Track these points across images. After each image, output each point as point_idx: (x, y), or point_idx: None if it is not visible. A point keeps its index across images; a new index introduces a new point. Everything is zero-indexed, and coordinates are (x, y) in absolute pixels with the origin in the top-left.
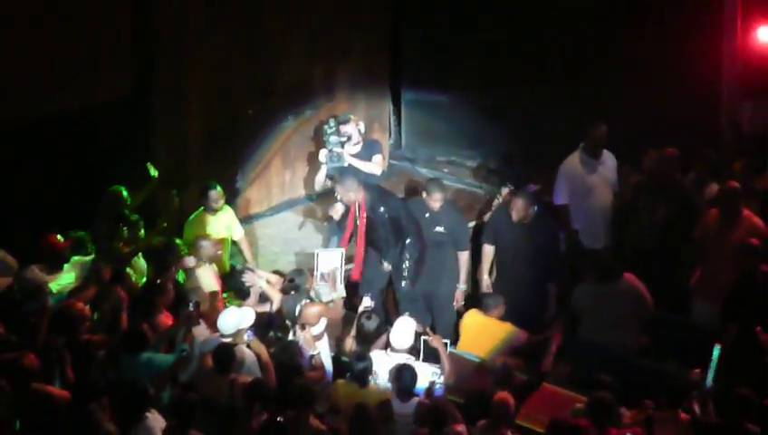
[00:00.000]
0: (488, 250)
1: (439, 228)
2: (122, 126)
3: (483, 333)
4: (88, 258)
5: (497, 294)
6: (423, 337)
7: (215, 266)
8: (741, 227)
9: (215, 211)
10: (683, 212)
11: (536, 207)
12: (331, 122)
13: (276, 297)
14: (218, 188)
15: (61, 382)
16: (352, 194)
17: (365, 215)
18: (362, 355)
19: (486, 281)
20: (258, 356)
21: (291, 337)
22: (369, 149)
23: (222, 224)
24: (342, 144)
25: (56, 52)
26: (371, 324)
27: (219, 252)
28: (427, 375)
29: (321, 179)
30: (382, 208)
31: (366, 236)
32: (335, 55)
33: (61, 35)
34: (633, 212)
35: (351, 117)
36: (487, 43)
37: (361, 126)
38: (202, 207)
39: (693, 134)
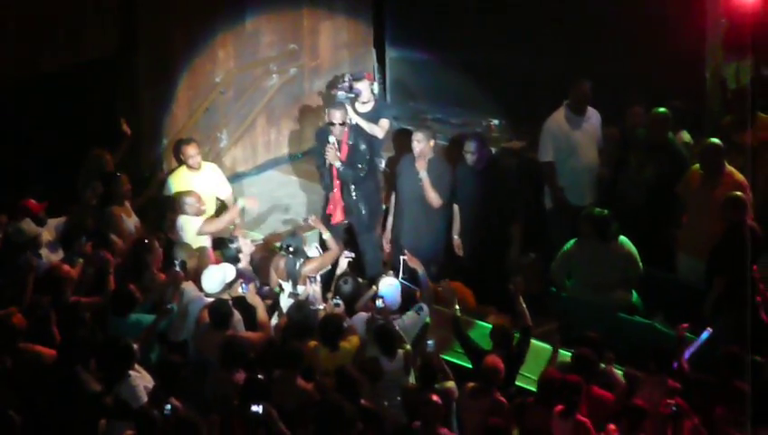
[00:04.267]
0: (455, 209)
1: (422, 174)
2: (108, 85)
3: None
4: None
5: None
6: (401, 257)
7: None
8: (723, 184)
9: (195, 168)
10: (673, 171)
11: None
12: (346, 76)
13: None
14: (192, 142)
15: (46, 342)
16: (338, 115)
17: (346, 145)
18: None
19: (457, 241)
20: (255, 308)
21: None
22: (378, 111)
23: (209, 181)
24: (351, 100)
25: (41, 11)
26: (347, 288)
27: (203, 207)
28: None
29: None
30: (363, 146)
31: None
32: (319, 14)
33: None
34: (621, 169)
35: (366, 74)
36: (468, 1)
37: (375, 86)
38: (182, 165)
39: (677, 92)
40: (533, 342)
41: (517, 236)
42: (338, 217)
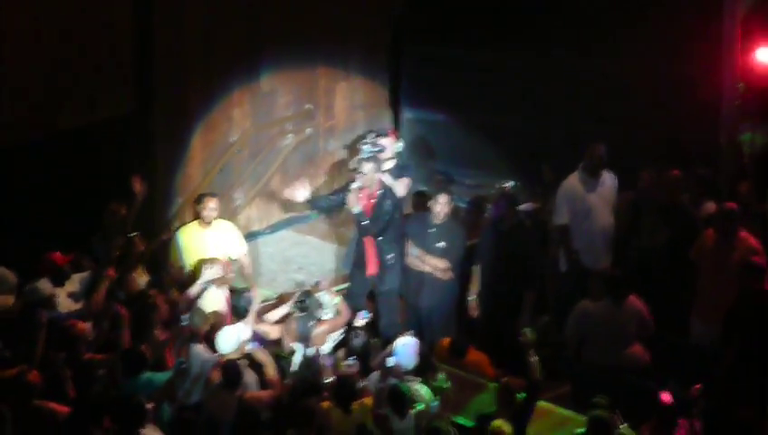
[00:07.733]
0: (476, 271)
1: (440, 244)
2: (123, 143)
3: None
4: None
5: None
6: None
7: (225, 289)
8: (738, 248)
9: (208, 222)
10: (685, 234)
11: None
12: (371, 133)
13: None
14: (215, 196)
15: (59, 398)
16: (370, 167)
17: (374, 200)
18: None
19: (472, 302)
20: (264, 366)
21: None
22: (400, 171)
23: (221, 238)
24: (377, 154)
25: (57, 69)
26: (358, 341)
27: (231, 274)
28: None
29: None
30: (389, 202)
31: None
32: (335, 74)
33: (61, 52)
34: (634, 233)
35: (389, 132)
36: (485, 63)
37: (399, 145)
38: (195, 220)
39: (693, 155)
40: (545, 404)
41: (528, 303)
42: (371, 269)
